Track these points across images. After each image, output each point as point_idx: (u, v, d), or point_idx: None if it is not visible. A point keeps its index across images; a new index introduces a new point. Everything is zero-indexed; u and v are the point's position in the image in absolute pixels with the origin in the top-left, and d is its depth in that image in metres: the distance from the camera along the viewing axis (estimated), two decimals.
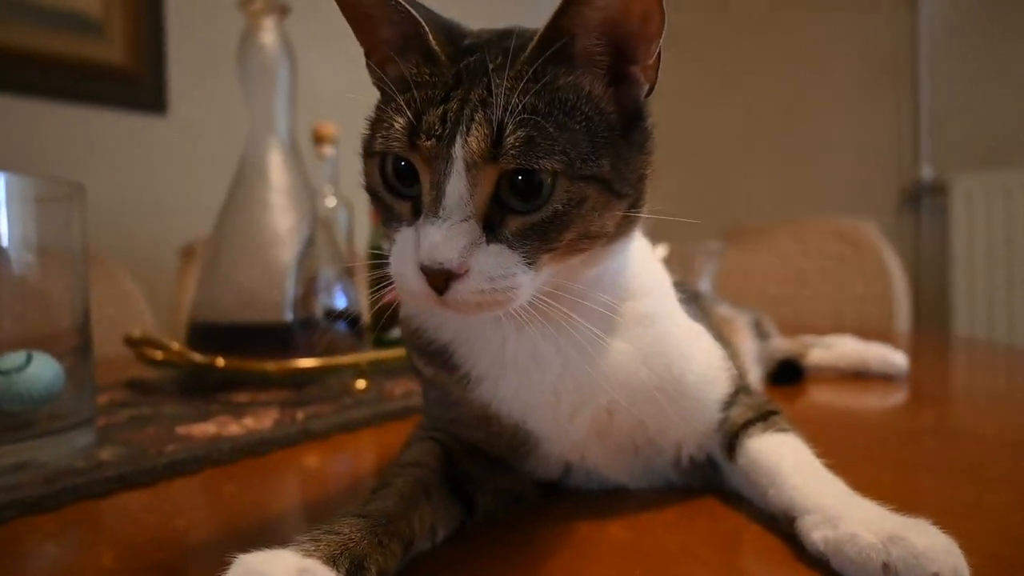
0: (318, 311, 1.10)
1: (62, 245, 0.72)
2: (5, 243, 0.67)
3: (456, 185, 0.42)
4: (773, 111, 3.45)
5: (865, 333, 1.21)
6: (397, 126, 0.43)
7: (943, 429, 0.83)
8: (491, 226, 0.43)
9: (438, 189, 0.42)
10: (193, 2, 2.48)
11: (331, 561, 0.38)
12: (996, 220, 2.86)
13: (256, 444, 0.73)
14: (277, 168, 1.11)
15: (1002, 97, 2.93)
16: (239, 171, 1.11)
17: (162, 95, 2.49)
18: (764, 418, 0.55)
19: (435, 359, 0.54)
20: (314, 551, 0.38)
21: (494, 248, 0.42)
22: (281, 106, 1.13)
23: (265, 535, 0.54)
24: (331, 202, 1.35)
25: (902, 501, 0.43)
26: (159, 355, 1.00)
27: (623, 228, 0.47)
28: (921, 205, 3.13)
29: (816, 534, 0.42)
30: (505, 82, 0.42)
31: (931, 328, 2.89)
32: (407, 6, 0.44)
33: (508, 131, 0.41)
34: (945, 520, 0.40)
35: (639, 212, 0.48)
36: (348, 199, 1.39)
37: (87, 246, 0.74)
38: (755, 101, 3.49)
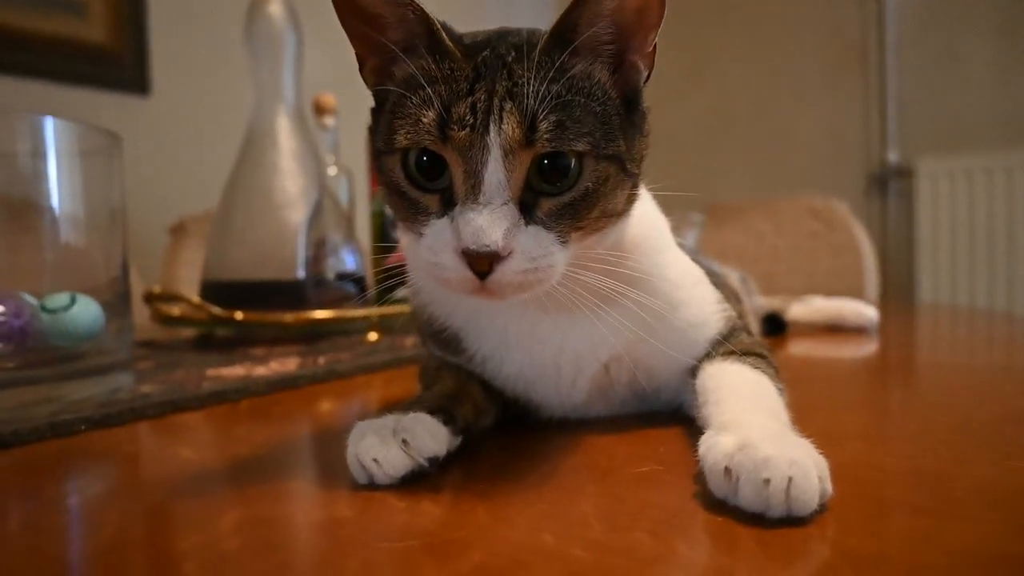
0: (328, 273, 1.15)
1: (103, 196, 0.76)
2: (54, 194, 0.71)
3: (495, 171, 0.44)
4: (743, 97, 3.54)
5: None
6: (426, 120, 0.45)
7: (911, 363, 0.92)
8: (525, 209, 0.45)
9: (475, 177, 0.44)
10: None
11: (430, 414, 0.47)
12: (959, 201, 2.99)
13: (289, 379, 0.78)
14: (285, 134, 1.16)
15: (965, 83, 3.05)
16: (248, 136, 1.16)
17: (144, 75, 2.48)
18: (742, 354, 0.55)
19: (446, 344, 0.58)
20: (410, 409, 0.46)
21: (532, 229, 0.45)
22: (288, 74, 1.17)
23: (325, 434, 0.60)
24: (332, 171, 1.40)
25: (871, 405, 0.49)
26: (176, 311, 1.05)
27: (628, 206, 0.51)
28: (888, 188, 3.25)
29: (703, 444, 0.41)
30: (530, 72, 0.45)
31: (897, 303, 3.01)
32: (421, 7, 0.46)
33: (540, 117, 0.44)
34: (912, 414, 0.46)
35: (638, 191, 0.51)
36: (348, 168, 1.44)
37: (125, 198, 0.78)
38: (725, 87, 3.58)
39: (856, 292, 2.17)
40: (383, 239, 1.28)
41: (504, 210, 0.44)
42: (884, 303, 2.12)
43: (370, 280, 1.24)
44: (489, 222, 0.43)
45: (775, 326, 1.14)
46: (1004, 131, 2.97)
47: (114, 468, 0.52)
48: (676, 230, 0.62)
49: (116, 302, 0.78)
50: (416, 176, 0.47)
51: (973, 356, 0.97)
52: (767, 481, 0.35)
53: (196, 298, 1.02)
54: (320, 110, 1.43)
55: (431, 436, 0.45)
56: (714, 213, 2.52)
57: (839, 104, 3.35)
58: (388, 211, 0.48)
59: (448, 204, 0.46)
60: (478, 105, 0.44)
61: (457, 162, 0.45)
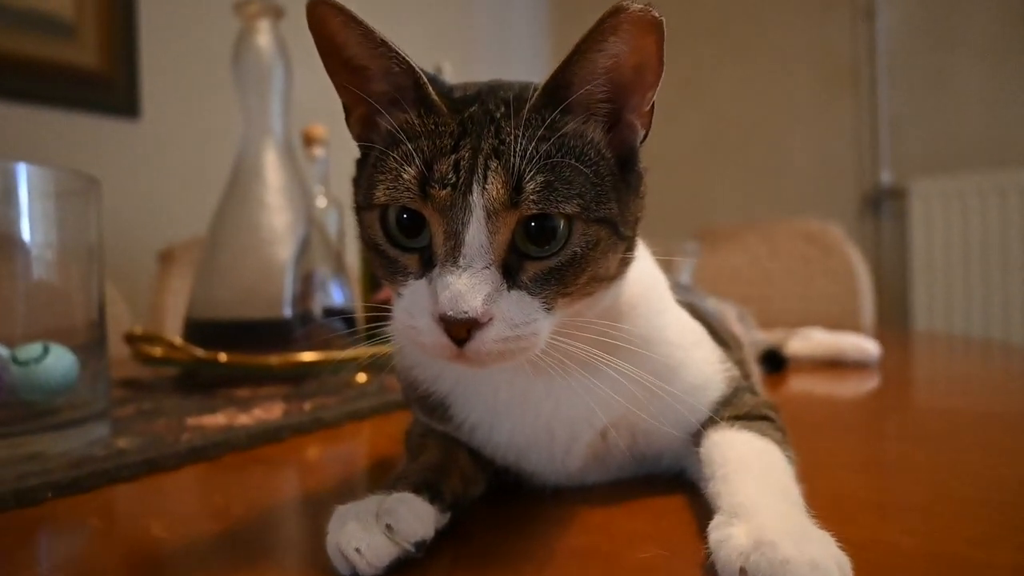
0: (316, 308, 1.12)
1: (78, 240, 0.73)
2: (27, 238, 0.68)
3: (476, 233, 0.41)
4: (738, 120, 3.55)
5: (831, 329, 1.27)
6: (406, 176, 0.43)
7: (914, 407, 0.89)
8: (509, 273, 0.43)
9: (456, 238, 0.42)
10: (166, 5, 2.47)
11: (415, 492, 0.44)
12: (953, 222, 2.99)
13: (272, 431, 0.75)
14: (273, 168, 1.13)
15: (957, 105, 3.06)
16: (235, 171, 1.13)
17: (135, 99, 2.46)
18: (748, 418, 0.53)
19: (432, 410, 0.55)
20: (394, 488, 0.43)
21: (515, 295, 0.42)
22: (276, 107, 1.15)
23: (307, 502, 0.57)
24: (321, 203, 1.37)
25: (879, 464, 0.46)
26: (158, 352, 1.01)
27: (621, 270, 0.48)
28: (881, 209, 3.25)
29: (713, 533, 0.39)
30: (518, 130, 0.42)
31: (892, 325, 3.00)
32: (407, 58, 0.44)
33: (527, 178, 0.41)
34: (923, 477, 0.43)
35: (632, 254, 0.49)
36: (338, 200, 1.41)
37: (102, 241, 0.75)
38: (718, 110, 3.58)
39: (851, 316, 2.15)
40: (373, 274, 1.25)
41: (485, 274, 0.42)
42: (880, 329, 2.10)
43: (359, 316, 1.21)
44: (468, 287, 0.41)
45: (774, 362, 1.11)
46: (996, 152, 2.98)
47: (76, 548, 0.49)
48: (670, 262, 0.59)
49: (93, 347, 0.75)
50: (395, 234, 0.45)
51: (976, 398, 0.95)
52: None
53: (179, 340, 0.99)
54: (309, 141, 1.40)
55: (416, 518, 0.41)
56: (708, 236, 2.50)
57: (832, 126, 3.36)
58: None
59: (427, 265, 0.44)
60: (461, 163, 0.42)
61: (437, 222, 0.43)
